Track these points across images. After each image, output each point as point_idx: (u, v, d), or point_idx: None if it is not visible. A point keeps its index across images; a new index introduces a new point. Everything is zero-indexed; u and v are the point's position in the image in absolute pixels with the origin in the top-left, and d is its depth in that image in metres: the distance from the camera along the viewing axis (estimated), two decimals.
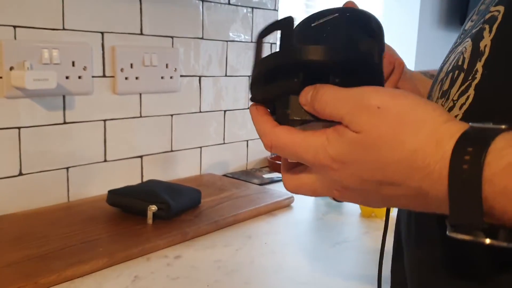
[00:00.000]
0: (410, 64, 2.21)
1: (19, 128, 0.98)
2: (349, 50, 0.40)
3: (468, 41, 0.45)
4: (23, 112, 0.98)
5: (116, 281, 0.75)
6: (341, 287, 0.77)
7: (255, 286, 0.76)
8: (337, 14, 0.42)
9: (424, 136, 0.34)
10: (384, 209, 1.06)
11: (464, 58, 0.44)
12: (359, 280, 0.80)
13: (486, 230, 0.32)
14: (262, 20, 1.44)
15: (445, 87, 0.46)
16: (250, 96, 0.45)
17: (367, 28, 0.42)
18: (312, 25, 0.43)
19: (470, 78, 0.42)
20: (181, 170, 1.30)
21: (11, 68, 0.94)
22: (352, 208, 1.14)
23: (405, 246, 0.52)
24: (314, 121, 0.40)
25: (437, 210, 0.35)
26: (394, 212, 1.08)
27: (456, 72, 0.44)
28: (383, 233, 0.60)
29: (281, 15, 1.52)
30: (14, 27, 0.95)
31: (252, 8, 1.41)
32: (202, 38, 1.29)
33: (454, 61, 0.46)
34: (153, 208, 0.93)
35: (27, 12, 0.96)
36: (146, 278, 0.77)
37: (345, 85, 0.39)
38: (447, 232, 0.34)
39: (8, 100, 0.96)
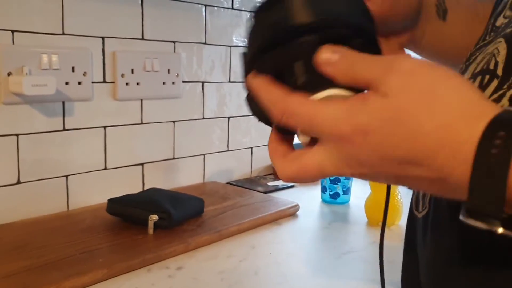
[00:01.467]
0: None
1: (17, 135, 0.96)
2: (368, 15, 0.39)
3: (501, 41, 0.41)
4: (21, 118, 0.96)
5: None
6: None
7: None
8: None
9: (456, 111, 0.31)
10: (392, 218, 1.04)
11: (496, 62, 0.40)
12: None
13: (502, 219, 0.30)
14: None
15: None
16: (246, 69, 0.40)
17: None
18: None
19: (505, 87, 0.38)
20: (183, 178, 1.27)
21: (9, 74, 0.92)
22: (359, 217, 1.11)
23: (420, 246, 0.49)
24: (333, 87, 0.36)
25: (452, 195, 0.33)
26: (402, 221, 1.05)
27: (487, 77, 0.41)
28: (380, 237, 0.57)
29: None
30: (12, 31, 0.92)
31: None
32: (205, 43, 1.27)
33: (483, 62, 0.42)
34: (154, 217, 0.90)
35: (26, 16, 0.94)
36: None
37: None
38: (460, 217, 0.31)
39: (6, 106, 0.93)
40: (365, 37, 0.38)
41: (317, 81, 0.36)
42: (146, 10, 1.13)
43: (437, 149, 0.32)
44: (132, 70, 1.11)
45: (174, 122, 1.23)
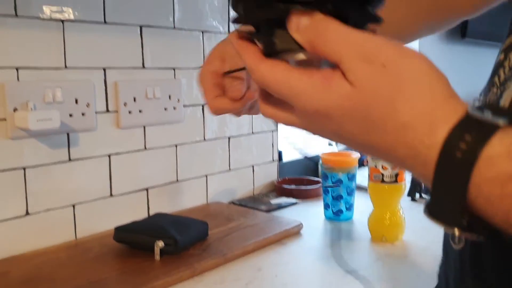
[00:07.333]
0: None
1: (24, 168, 0.98)
2: None
3: None
4: (27, 152, 0.98)
5: None
6: None
7: None
8: None
9: (419, 112, 0.32)
10: (395, 233, 1.06)
11: None
12: None
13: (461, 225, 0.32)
14: None
15: None
16: (233, 16, 0.39)
17: None
18: None
19: None
20: (187, 200, 1.29)
21: (15, 109, 0.94)
22: (362, 233, 1.13)
23: (456, 279, 0.48)
24: (303, 53, 0.36)
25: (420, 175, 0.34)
26: (405, 235, 1.06)
27: None
28: None
29: None
30: (17, 68, 0.95)
31: None
32: None
33: None
34: (160, 244, 0.92)
35: (29, 52, 0.97)
36: None
37: (337, 16, 0.34)
38: (423, 211, 0.33)
39: (13, 141, 0.96)
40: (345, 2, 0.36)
41: (289, 44, 0.36)
42: (145, 40, 1.15)
43: (397, 146, 0.33)
44: (134, 98, 1.13)
45: (176, 145, 1.25)
